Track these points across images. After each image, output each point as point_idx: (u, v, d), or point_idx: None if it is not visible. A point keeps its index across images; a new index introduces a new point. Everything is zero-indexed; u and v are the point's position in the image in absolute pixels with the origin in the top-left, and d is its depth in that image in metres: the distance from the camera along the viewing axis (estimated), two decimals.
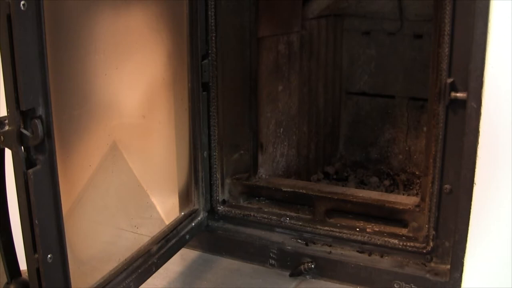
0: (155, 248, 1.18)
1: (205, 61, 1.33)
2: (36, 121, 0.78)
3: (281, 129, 1.76)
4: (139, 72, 1.14)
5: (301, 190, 1.42)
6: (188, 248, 1.42)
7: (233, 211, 1.44)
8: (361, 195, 1.39)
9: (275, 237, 1.39)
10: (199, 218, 1.38)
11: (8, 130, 0.78)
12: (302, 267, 1.30)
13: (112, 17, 1.04)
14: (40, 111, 0.79)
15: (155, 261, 1.17)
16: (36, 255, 0.82)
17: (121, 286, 1.06)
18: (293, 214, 1.42)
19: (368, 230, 1.32)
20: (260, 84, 1.57)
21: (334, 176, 2.05)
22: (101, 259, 1.06)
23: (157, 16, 1.18)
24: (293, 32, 1.76)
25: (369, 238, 1.29)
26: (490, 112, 1.05)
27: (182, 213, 1.34)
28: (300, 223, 1.38)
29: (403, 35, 1.99)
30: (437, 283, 1.19)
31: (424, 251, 1.23)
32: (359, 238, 1.31)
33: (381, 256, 1.29)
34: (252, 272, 1.36)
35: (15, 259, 0.87)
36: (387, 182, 1.98)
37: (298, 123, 1.86)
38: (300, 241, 1.37)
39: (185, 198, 1.36)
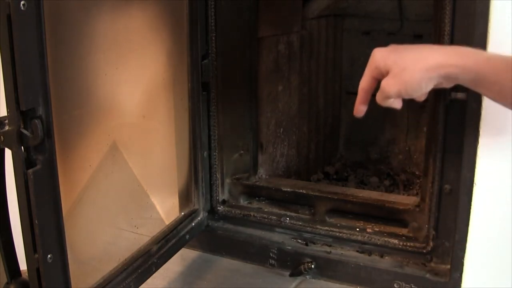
0: (155, 248, 1.18)
1: (205, 61, 1.33)
2: (36, 121, 0.78)
3: (281, 129, 1.76)
4: (139, 72, 1.14)
5: (301, 190, 1.42)
6: (188, 248, 1.42)
7: (233, 211, 1.44)
8: (361, 195, 1.38)
9: (275, 237, 1.39)
10: (199, 218, 1.38)
11: (8, 130, 0.78)
12: (302, 267, 1.30)
13: (112, 17, 1.04)
14: (40, 111, 0.79)
15: (155, 261, 1.17)
16: (36, 255, 0.82)
17: (121, 286, 1.06)
18: (293, 214, 1.42)
19: (368, 230, 1.32)
20: (260, 84, 1.57)
21: (334, 176, 2.05)
22: (101, 259, 1.06)
23: (157, 16, 1.18)
24: (293, 32, 1.76)
25: (369, 238, 1.29)
26: (490, 112, 1.05)
27: (182, 213, 1.34)
28: (300, 223, 1.38)
29: (403, 35, 1.99)
30: (437, 283, 1.19)
31: (424, 251, 1.23)
32: (359, 238, 1.31)
33: (381, 256, 1.29)
34: (252, 272, 1.36)
35: (15, 259, 0.87)
36: (387, 182, 1.98)
37: (298, 123, 1.86)
38: (300, 241, 1.37)
39: (185, 198, 1.36)
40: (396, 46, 0.97)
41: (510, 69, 0.86)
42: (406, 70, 0.92)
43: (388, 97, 0.96)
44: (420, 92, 0.94)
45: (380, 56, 0.96)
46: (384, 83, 0.95)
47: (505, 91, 0.87)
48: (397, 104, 0.98)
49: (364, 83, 1.01)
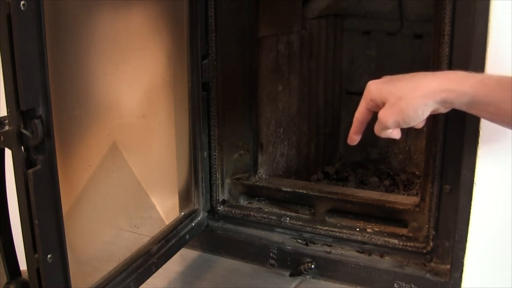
0: (155, 248, 1.18)
1: (205, 61, 1.33)
2: (36, 121, 0.78)
3: (281, 129, 1.76)
4: (139, 72, 1.14)
5: (301, 190, 1.42)
6: (188, 248, 1.42)
7: (233, 211, 1.44)
8: (361, 195, 1.38)
9: (275, 237, 1.39)
10: (199, 218, 1.38)
11: (8, 130, 0.78)
12: (302, 267, 1.30)
13: (112, 17, 1.04)
14: (40, 111, 0.79)
15: (155, 261, 1.17)
16: (36, 255, 0.82)
17: (121, 286, 1.06)
18: (293, 214, 1.42)
19: (368, 230, 1.32)
20: (260, 84, 1.57)
21: (334, 176, 2.05)
22: (101, 259, 1.07)
23: (157, 16, 1.18)
24: (293, 32, 1.76)
25: (369, 238, 1.29)
26: None
27: (182, 213, 1.34)
28: (300, 223, 1.38)
29: (403, 35, 1.99)
30: (437, 283, 1.19)
31: (424, 251, 1.23)
32: (359, 238, 1.31)
33: (381, 256, 1.29)
34: (252, 272, 1.36)
35: (15, 259, 0.87)
36: (387, 182, 1.98)
37: (298, 123, 1.86)
38: (300, 241, 1.37)
39: (185, 198, 1.36)
40: (390, 77, 0.98)
41: (504, 88, 0.87)
42: (403, 99, 0.92)
43: (386, 127, 0.97)
44: (418, 120, 0.94)
45: (376, 88, 0.97)
46: (381, 114, 0.95)
47: (501, 110, 0.88)
48: (396, 134, 0.99)
49: (359, 114, 1.02)
